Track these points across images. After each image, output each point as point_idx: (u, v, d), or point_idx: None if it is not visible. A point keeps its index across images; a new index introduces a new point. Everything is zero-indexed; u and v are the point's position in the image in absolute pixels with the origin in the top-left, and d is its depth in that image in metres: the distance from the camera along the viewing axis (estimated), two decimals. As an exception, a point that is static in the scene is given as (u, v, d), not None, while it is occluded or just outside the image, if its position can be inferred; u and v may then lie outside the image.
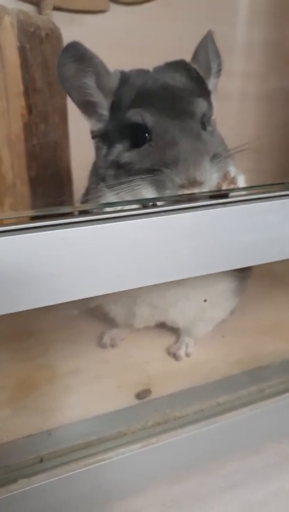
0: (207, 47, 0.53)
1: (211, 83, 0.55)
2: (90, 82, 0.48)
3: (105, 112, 0.50)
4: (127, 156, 0.48)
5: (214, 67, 0.54)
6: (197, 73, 0.52)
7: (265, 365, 0.61)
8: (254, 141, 0.49)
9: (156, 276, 0.39)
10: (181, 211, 0.37)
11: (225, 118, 0.88)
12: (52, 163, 0.67)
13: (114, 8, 0.76)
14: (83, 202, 0.52)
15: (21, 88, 0.57)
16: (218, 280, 0.58)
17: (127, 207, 0.39)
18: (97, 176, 0.51)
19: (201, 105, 0.48)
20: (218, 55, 0.54)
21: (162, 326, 0.65)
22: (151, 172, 0.44)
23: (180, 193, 0.44)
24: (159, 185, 0.44)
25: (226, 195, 0.43)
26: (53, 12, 0.71)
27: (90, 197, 0.50)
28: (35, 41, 0.57)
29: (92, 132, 0.52)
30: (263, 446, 0.58)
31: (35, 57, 0.57)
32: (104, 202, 0.48)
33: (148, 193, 0.45)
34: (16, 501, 0.40)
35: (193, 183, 0.43)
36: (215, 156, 0.47)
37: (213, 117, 0.54)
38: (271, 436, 0.58)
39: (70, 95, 0.50)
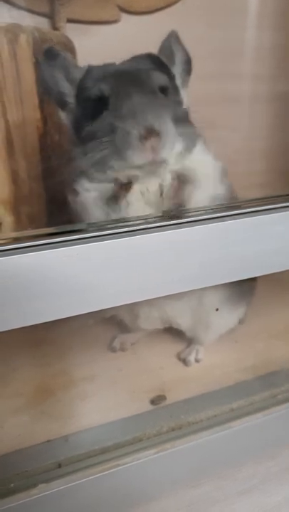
0: (170, 43, 0.55)
1: (176, 70, 0.56)
2: (59, 74, 0.52)
3: (72, 100, 0.53)
4: (89, 128, 0.49)
5: (178, 57, 0.55)
6: (159, 59, 0.54)
7: (278, 370, 0.61)
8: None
9: (165, 288, 0.40)
10: (188, 225, 0.38)
11: (235, 120, 0.90)
12: (67, 172, 0.68)
13: (126, 17, 0.77)
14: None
15: (36, 101, 0.58)
16: (218, 289, 0.59)
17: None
18: (72, 165, 0.52)
19: (159, 75, 0.50)
20: (182, 49, 0.55)
21: (174, 332, 0.66)
22: (113, 133, 0.45)
23: (142, 148, 0.43)
24: (121, 143, 0.44)
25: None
26: (66, 24, 0.72)
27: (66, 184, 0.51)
28: (50, 56, 0.58)
29: (67, 127, 0.55)
30: (277, 451, 0.58)
31: (49, 71, 0.58)
32: (80, 188, 0.50)
33: (112, 159, 0.45)
34: (35, 506, 0.41)
35: (151, 131, 0.43)
36: (179, 120, 0.47)
37: (185, 107, 0.55)
38: (285, 441, 0.58)
39: (46, 91, 0.54)
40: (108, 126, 0.46)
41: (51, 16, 0.71)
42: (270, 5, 0.85)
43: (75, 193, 0.51)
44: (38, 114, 0.58)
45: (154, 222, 0.40)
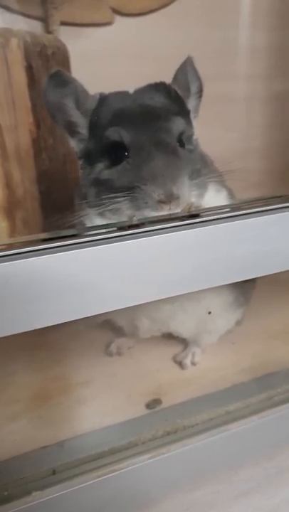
0: (186, 70, 0.54)
1: (190, 104, 0.55)
2: (70, 103, 0.51)
3: (84, 131, 0.52)
4: (106, 174, 0.49)
5: (194, 89, 0.55)
6: (176, 93, 0.53)
7: (274, 371, 0.61)
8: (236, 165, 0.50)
9: (161, 291, 0.39)
10: (186, 227, 0.38)
11: (232, 120, 0.90)
12: (61, 176, 0.68)
13: (120, 20, 0.77)
14: (67, 222, 0.52)
15: (29, 105, 0.58)
16: (217, 292, 0.59)
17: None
18: (81, 196, 0.52)
19: (178, 123, 0.49)
20: (197, 78, 0.55)
21: (170, 335, 0.65)
22: (130, 189, 0.45)
23: (159, 208, 0.44)
24: (138, 202, 0.45)
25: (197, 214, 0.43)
26: (60, 27, 0.72)
27: (74, 216, 0.51)
28: (42, 60, 0.58)
29: (77, 153, 0.54)
30: (275, 453, 0.58)
31: (41, 74, 0.58)
32: (87, 221, 0.50)
33: (128, 209, 0.46)
34: (30, 514, 0.42)
35: (171, 197, 0.44)
36: (194, 173, 0.48)
37: (195, 137, 0.55)
38: (283, 442, 0.58)
39: (53, 118, 0.53)
40: (127, 180, 0.46)
41: (44, 20, 0.71)
42: (266, 5, 0.85)
43: (82, 223, 0.51)
44: (30, 118, 0.58)
45: (151, 225, 0.39)
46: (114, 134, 0.48)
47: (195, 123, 0.56)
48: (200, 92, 0.56)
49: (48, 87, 0.50)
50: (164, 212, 0.44)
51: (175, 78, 0.54)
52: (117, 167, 0.48)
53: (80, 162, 0.54)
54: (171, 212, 0.45)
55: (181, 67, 0.54)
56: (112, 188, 0.47)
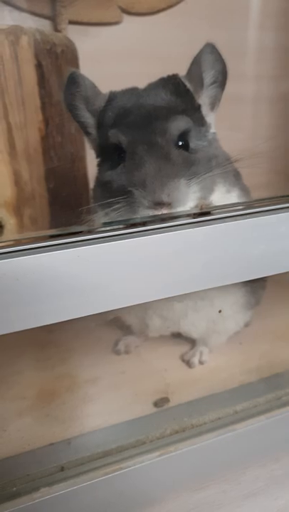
0: (200, 59, 0.51)
1: (205, 95, 0.53)
2: (80, 104, 0.52)
3: (93, 132, 0.53)
4: (108, 175, 0.49)
5: (208, 79, 0.52)
6: (184, 88, 0.51)
7: (282, 371, 0.60)
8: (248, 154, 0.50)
9: (169, 289, 0.39)
10: (192, 226, 0.38)
11: (239, 121, 0.89)
12: (69, 173, 0.68)
13: (128, 19, 0.77)
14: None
15: (38, 103, 0.58)
16: (228, 293, 0.59)
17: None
18: (93, 194, 0.53)
19: (179, 122, 0.48)
20: (214, 66, 0.52)
21: (179, 334, 0.65)
22: (127, 192, 0.45)
23: (152, 213, 0.44)
24: (132, 206, 0.45)
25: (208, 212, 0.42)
26: (68, 26, 0.72)
27: (84, 215, 0.51)
28: (52, 58, 0.58)
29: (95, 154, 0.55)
30: (282, 454, 0.58)
31: (51, 72, 0.59)
32: (96, 220, 0.49)
33: (126, 212, 0.45)
34: (38, 509, 0.41)
35: (160, 205, 0.43)
36: (197, 173, 0.47)
37: (212, 131, 0.54)
38: (291, 443, 0.58)
39: (73, 118, 0.54)
40: (122, 184, 0.46)
41: (53, 18, 0.71)
42: (273, 5, 0.85)
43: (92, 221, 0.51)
44: (39, 116, 0.59)
45: (157, 223, 0.39)
46: (113, 136, 0.48)
47: (213, 115, 0.55)
48: (220, 79, 0.53)
49: (65, 89, 0.51)
50: (159, 214, 0.44)
51: (190, 68, 0.53)
52: (116, 169, 0.48)
53: (97, 161, 0.55)
54: (164, 212, 0.44)
55: (196, 58, 0.52)
56: (112, 190, 0.48)
